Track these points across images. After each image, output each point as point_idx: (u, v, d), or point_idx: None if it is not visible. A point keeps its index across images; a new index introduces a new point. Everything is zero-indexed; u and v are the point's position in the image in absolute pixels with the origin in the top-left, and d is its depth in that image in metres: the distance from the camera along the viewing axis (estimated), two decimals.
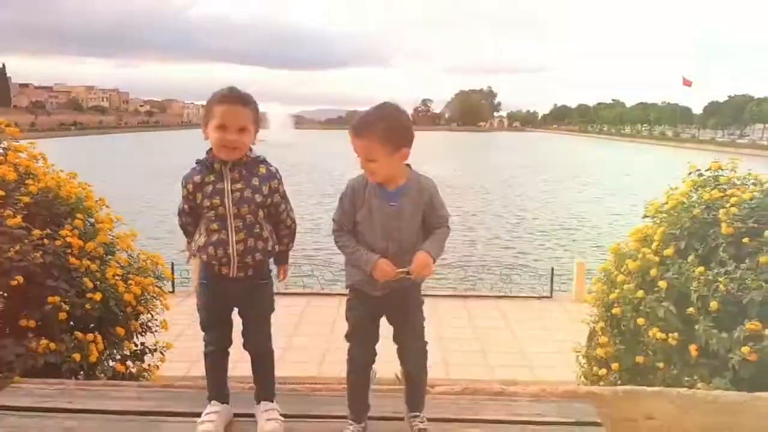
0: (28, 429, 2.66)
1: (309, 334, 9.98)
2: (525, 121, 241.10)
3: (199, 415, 2.70)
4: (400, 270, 2.49)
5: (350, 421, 2.66)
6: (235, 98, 2.56)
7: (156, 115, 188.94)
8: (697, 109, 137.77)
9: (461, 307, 11.88)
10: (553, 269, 13.42)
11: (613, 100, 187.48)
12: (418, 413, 2.68)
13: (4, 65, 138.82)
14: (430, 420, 2.70)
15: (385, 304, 2.60)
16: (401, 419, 2.74)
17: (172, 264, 9.42)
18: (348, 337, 2.67)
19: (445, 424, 2.76)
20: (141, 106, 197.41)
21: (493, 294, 13.13)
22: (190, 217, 2.70)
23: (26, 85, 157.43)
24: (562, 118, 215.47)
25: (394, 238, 2.51)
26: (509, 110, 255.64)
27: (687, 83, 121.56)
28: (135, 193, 31.23)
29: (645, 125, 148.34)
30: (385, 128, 2.43)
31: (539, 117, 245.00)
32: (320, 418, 2.82)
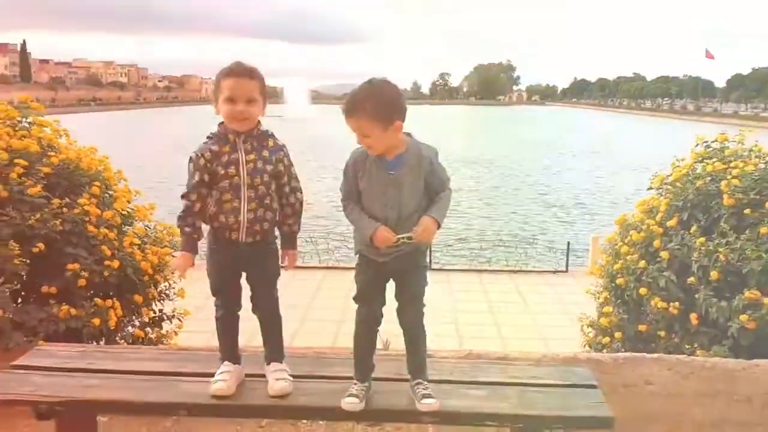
0: (52, 387, 2.80)
1: (324, 308, 10.12)
2: (544, 94, 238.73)
3: (213, 375, 2.83)
4: (401, 236, 2.60)
5: (355, 381, 2.78)
6: (241, 71, 2.66)
7: (174, 91, 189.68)
8: (720, 83, 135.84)
9: (476, 282, 11.97)
10: (569, 244, 13.42)
11: (633, 73, 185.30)
12: (421, 380, 2.77)
13: (24, 41, 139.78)
14: (430, 382, 2.79)
15: (389, 268, 2.71)
16: (405, 380, 2.86)
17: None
18: (356, 299, 2.80)
19: (444, 385, 2.86)
20: (159, 81, 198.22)
21: (509, 268, 13.15)
22: (206, 189, 2.72)
23: (46, 61, 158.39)
24: (581, 91, 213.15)
25: (394, 207, 2.62)
26: (528, 84, 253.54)
27: (710, 56, 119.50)
28: (155, 165, 31.52)
29: (666, 99, 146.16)
30: (373, 105, 2.52)
31: (559, 91, 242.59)
32: (327, 378, 2.94)
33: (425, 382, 2.77)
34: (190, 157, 2.71)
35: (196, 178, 2.70)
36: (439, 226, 2.65)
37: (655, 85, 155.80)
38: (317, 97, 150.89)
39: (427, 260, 2.86)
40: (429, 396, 2.70)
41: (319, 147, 41.32)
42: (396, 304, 2.79)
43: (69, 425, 2.84)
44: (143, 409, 2.88)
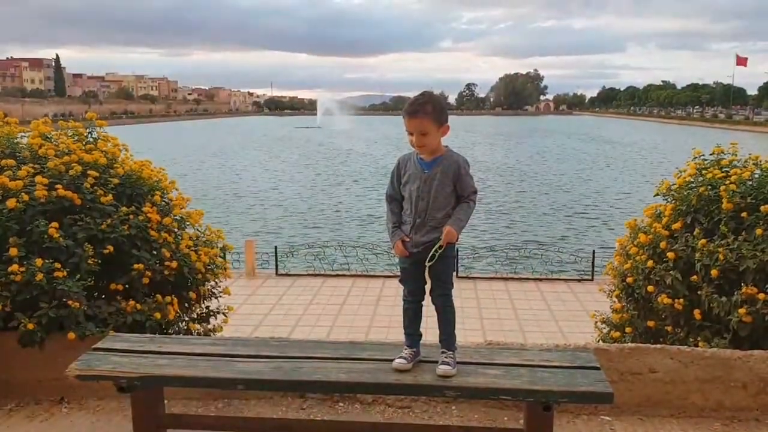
0: (129, 365, 3.26)
1: (354, 314, 10.43)
2: (572, 103, 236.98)
3: (262, 357, 3.29)
4: (433, 251, 3.12)
5: (405, 346, 3.26)
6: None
7: (203, 103, 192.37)
8: (752, 90, 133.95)
9: (502, 290, 12.25)
10: (594, 252, 13.56)
11: (663, 81, 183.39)
12: (445, 350, 3.24)
13: (58, 56, 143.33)
14: None
15: (420, 257, 3.18)
16: (434, 362, 3.27)
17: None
18: (400, 281, 3.35)
19: (465, 366, 3.27)
20: (189, 94, 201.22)
21: (534, 276, 13.43)
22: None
23: (79, 76, 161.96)
24: (610, 100, 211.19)
25: (425, 199, 3.15)
26: (556, 93, 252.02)
27: (741, 62, 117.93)
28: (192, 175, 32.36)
29: (696, 107, 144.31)
30: (433, 108, 3.09)
31: (587, 99, 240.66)
32: (361, 360, 3.35)
33: (448, 352, 3.23)
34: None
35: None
36: (457, 233, 3.13)
37: (685, 93, 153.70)
38: (343, 108, 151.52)
39: (454, 251, 3.36)
40: (447, 363, 3.17)
41: (348, 158, 41.89)
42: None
43: (143, 397, 3.35)
44: (207, 384, 3.34)
